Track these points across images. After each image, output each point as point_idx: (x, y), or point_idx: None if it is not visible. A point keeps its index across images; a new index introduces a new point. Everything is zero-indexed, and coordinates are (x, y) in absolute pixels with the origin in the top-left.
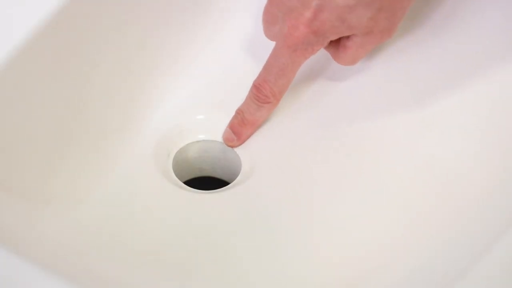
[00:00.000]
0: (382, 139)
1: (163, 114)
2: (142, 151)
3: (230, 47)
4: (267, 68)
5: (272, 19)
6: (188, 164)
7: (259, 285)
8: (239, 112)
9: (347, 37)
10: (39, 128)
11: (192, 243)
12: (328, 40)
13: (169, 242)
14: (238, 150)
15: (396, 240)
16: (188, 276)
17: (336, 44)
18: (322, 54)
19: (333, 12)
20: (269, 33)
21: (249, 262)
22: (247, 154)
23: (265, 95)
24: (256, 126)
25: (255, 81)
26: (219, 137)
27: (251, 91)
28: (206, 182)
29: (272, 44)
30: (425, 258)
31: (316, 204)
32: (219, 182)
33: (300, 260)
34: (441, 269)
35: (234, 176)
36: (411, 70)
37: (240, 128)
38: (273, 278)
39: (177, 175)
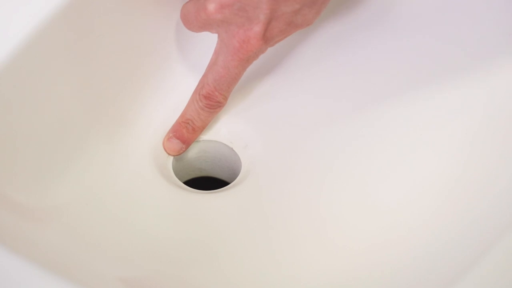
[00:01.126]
0: (381, 140)
1: (163, 114)
2: (142, 151)
3: None
4: (217, 78)
5: (202, 25)
6: (188, 164)
7: (259, 285)
8: (187, 121)
9: None
10: (39, 128)
11: (192, 243)
12: (277, 42)
13: (169, 242)
14: (238, 150)
15: (396, 241)
16: (188, 275)
17: None
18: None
19: (281, 19)
20: (191, 28)
21: (249, 262)
22: (247, 154)
23: (217, 101)
24: (204, 129)
25: (202, 91)
26: (219, 137)
27: (199, 100)
28: (206, 182)
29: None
30: (425, 258)
31: (315, 203)
32: (219, 182)
33: (300, 260)
34: (441, 270)
35: (234, 176)
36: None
37: (191, 135)
38: (273, 278)
39: (177, 175)
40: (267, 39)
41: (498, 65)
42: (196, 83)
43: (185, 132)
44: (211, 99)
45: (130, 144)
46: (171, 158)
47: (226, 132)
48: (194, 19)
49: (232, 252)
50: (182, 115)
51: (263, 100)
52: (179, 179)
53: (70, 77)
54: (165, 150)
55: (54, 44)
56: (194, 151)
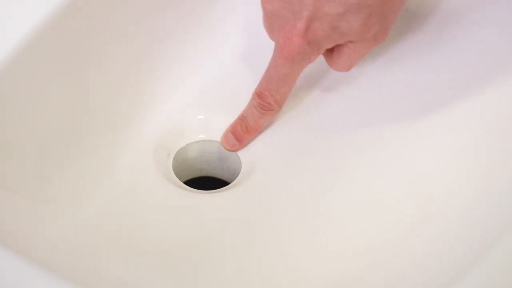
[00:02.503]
0: (381, 142)
1: (163, 114)
2: (142, 151)
3: (231, 47)
4: (268, 77)
5: (269, 27)
6: (188, 164)
7: (259, 285)
8: (242, 119)
9: (342, 45)
10: (39, 129)
11: (192, 243)
12: (324, 49)
13: (169, 242)
14: (238, 151)
15: (396, 241)
16: (188, 275)
17: (330, 50)
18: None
19: (324, 21)
20: (273, 38)
21: (249, 262)
22: (247, 154)
23: (268, 103)
24: (258, 132)
25: (256, 89)
26: (219, 137)
27: (253, 99)
28: (206, 182)
29: (270, 46)
30: (424, 258)
31: (316, 203)
32: (219, 182)
33: (300, 259)
34: (440, 270)
35: (234, 176)
36: (408, 78)
37: (243, 134)
38: (273, 278)
39: (177, 175)
40: (310, 40)
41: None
42: (192, 85)
43: (239, 129)
44: (262, 99)
45: (130, 144)
46: (171, 158)
47: None
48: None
49: (232, 252)
50: (242, 112)
51: None
52: (179, 179)
53: (70, 77)
54: (222, 144)
55: (54, 44)
56: (194, 151)
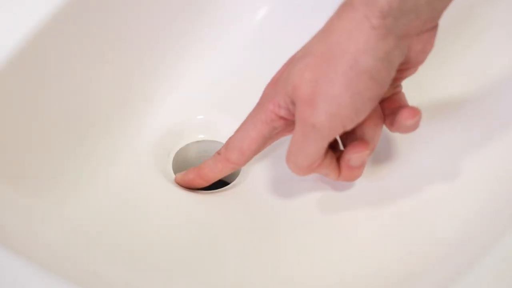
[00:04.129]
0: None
1: (163, 114)
2: (142, 151)
3: (231, 48)
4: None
5: None
6: (188, 164)
7: (259, 285)
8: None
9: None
10: (39, 128)
11: (192, 243)
12: (277, 102)
13: (169, 242)
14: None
15: (395, 241)
16: (188, 275)
17: None
18: None
19: (288, 66)
20: None
21: (249, 262)
22: None
23: (223, 147)
24: (204, 179)
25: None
26: (219, 137)
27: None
28: None
29: (270, 46)
30: (424, 258)
31: (316, 203)
32: (219, 182)
33: (300, 260)
34: (439, 270)
35: (234, 176)
36: None
37: (193, 174)
38: (273, 278)
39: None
40: (273, 84)
41: None
42: (192, 85)
43: (193, 169)
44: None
45: (130, 144)
46: (171, 158)
47: (226, 132)
48: None
49: (232, 252)
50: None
51: None
52: None
53: (70, 77)
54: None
55: (54, 44)
56: (194, 151)
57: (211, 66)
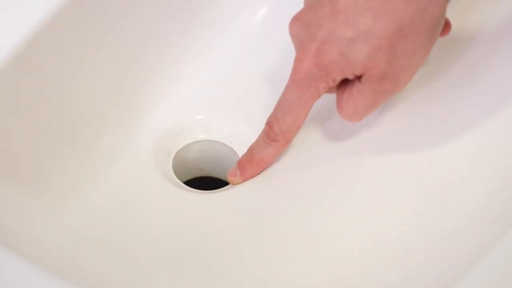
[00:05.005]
0: (381, 144)
1: (163, 114)
2: (142, 151)
3: (230, 48)
4: (278, 104)
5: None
6: (188, 164)
7: (259, 284)
8: (249, 149)
9: (351, 86)
10: (39, 128)
11: (192, 243)
12: (332, 78)
13: (169, 242)
14: (238, 150)
15: (395, 241)
16: (188, 275)
17: (341, 92)
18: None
19: (334, 44)
20: None
21: (249, 262)
22: None
23: (274, 132)
24: (261, 166)
25: (268, 118)
26: (219, 137)
27: (264, 128)
28: (206, 182)
29: (270, 46)
30: (423, 258)
31: (315, 203)
32: (219, 182)
33: (300, 259)
34: (439, 271)
35: None
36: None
37: (246, 164)
38: (273, 278)
39: (177, 175)
40: (318, 63)
41: None
42: (192, 85)
43: (243, 159)
44: (270, 128)
45: (130, 144)
46: (171, 158)
47: (226, 132)
48: None
49: (232, 252)
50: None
51: (264, 101)
52: (179, 179)
53: (69, 76)
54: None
55: (53, 44)
56: (194, 151)
57: (211, 66)
